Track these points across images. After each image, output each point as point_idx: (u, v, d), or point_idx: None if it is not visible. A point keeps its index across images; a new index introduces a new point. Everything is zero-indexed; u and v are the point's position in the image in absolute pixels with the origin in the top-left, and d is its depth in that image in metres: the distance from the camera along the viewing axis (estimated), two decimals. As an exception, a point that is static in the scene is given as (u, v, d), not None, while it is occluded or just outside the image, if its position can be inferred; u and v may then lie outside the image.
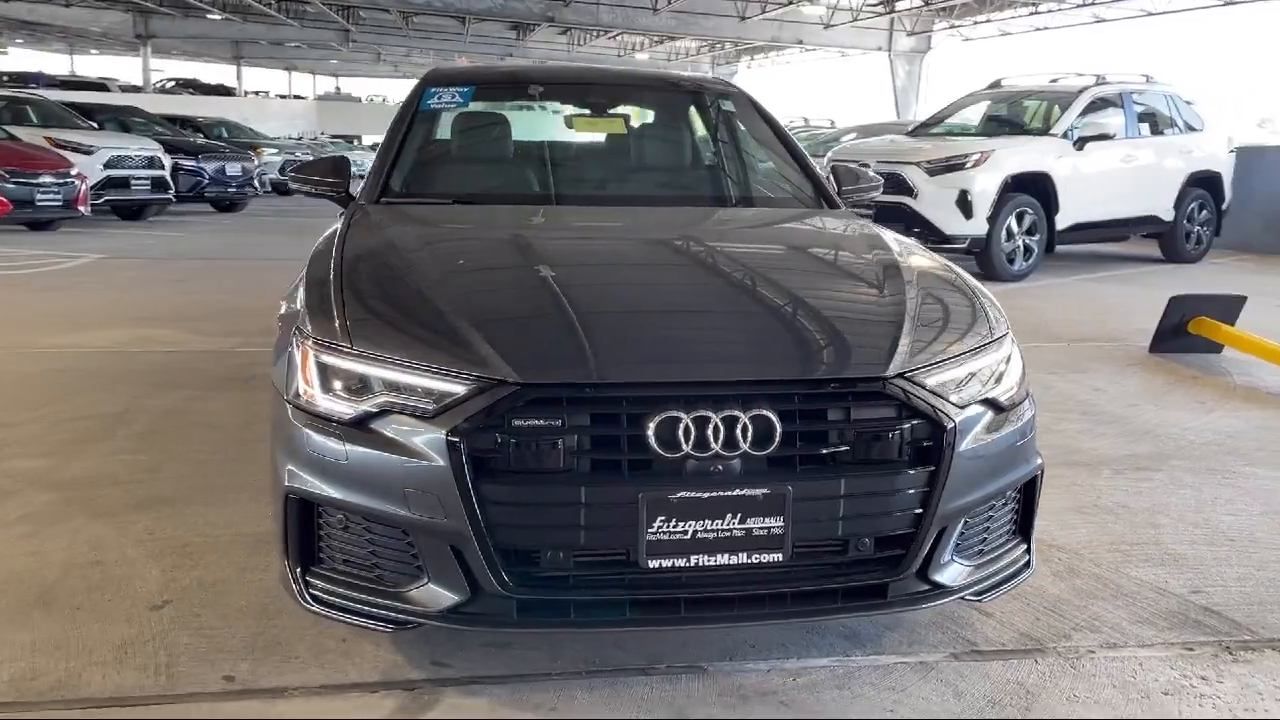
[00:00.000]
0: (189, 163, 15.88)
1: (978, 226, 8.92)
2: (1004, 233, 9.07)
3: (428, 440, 2.02)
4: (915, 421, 2.14)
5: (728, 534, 2.04)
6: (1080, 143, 9.52)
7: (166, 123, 18.40)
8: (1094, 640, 2.56)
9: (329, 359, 2.18)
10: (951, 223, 9.00)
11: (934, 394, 2.18)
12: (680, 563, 2.05)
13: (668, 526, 2.02)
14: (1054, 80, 11.09)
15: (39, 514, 3.18)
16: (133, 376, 4.93)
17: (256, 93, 59.27)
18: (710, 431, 2.02)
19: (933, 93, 24.12)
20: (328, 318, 2.27)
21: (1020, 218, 9.18)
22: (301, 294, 2.46)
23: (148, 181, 13.73)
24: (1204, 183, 10.85)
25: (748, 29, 22.95)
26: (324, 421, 2.14)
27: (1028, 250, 9.29)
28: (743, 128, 3.82)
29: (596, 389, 2.05)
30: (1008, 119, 10.72)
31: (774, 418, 2.05)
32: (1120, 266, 10.61)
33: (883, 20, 22.78)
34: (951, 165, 8.97)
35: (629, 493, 2.01)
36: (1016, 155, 9.21)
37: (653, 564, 2.04)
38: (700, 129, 3.90)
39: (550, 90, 3.92)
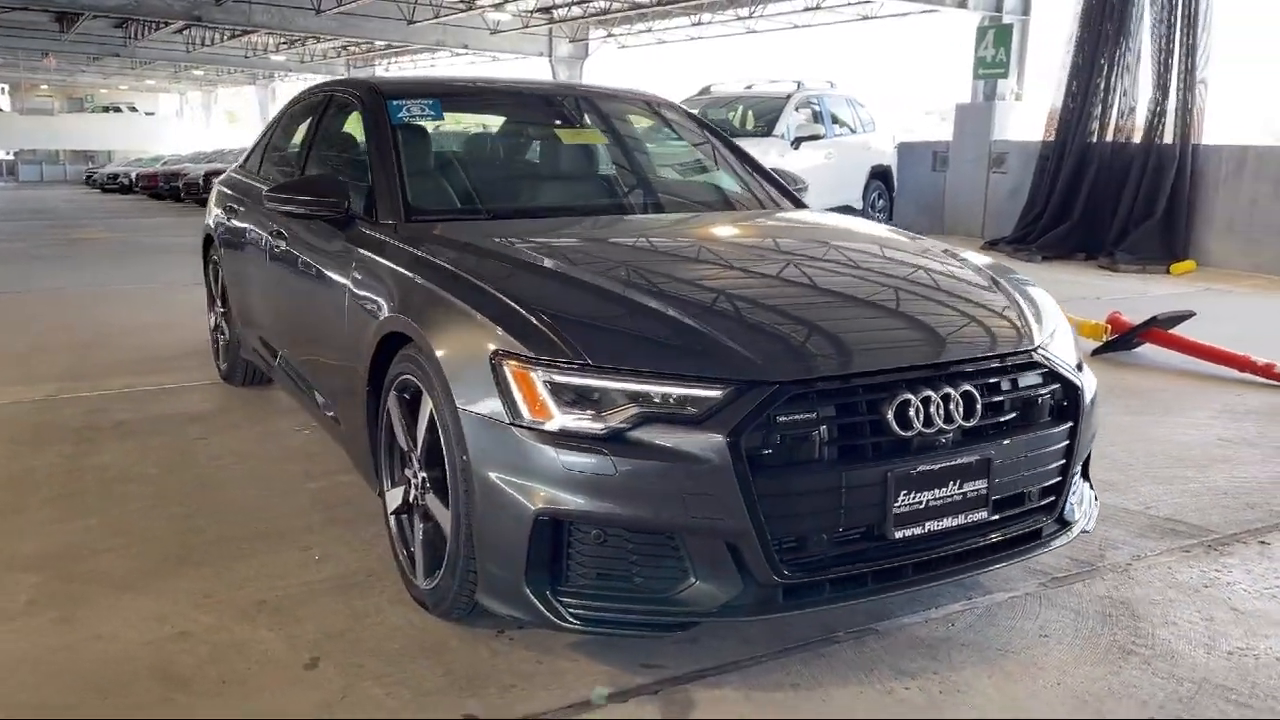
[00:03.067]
0: None
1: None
2: (746, 226, 9.89)
3: (705, 444, 2.10)
4: (1055, 385, 2.53)
5: (950, 499, 2.31)
6: (796, 142, 10.61)
7: None
8: (1124, 555, 3.09)
9: (561, 377, 2.18)
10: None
11: (1061, 361, 2.58)
12: (917, 530, 2.29)
13: (909, 499, 2.25)
14: (749, 86, 12.19)
15: (48, 597, 2.76)
16: (-33, 438, 4.23)
17: None
18: (933, 409, 2.28)
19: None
20: (538, 336, 2.24)
21: (757, 211, 10.05)
22: (473, 316, 2.38)
23: None
24: (880, 175, 12.46)
25: (414, 33, 22.67)
26: (577, 439, 2.14)
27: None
28: (711, 137, 4.05)
29: (843, 380, 2.23)
30: (719, 123, 11.63)
31: (975, 392, 2.34)
32: (825, 251, 11.84)
33: (543, 27, 23.44)
34: (703, 165, 9.62)
35: (879, 472, 2.22)
36: (752, 154, 10.02)
37: (898, 534, 2.26)
38: (672, 140, 4.06)
39: (527, 104, 3.90)
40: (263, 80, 43.16)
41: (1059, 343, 2.65)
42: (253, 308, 4.35)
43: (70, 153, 55.97)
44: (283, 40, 32.35)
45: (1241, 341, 5.98)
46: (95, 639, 2.53)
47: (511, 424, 2.20)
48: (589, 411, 2.16)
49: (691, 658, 2.44)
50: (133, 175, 32.32)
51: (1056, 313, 2.80)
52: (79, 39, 34.04)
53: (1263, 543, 3.21)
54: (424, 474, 2.59)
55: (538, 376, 2.20)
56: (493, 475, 2.23)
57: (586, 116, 3.89)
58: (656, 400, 2.16)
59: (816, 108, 11.38)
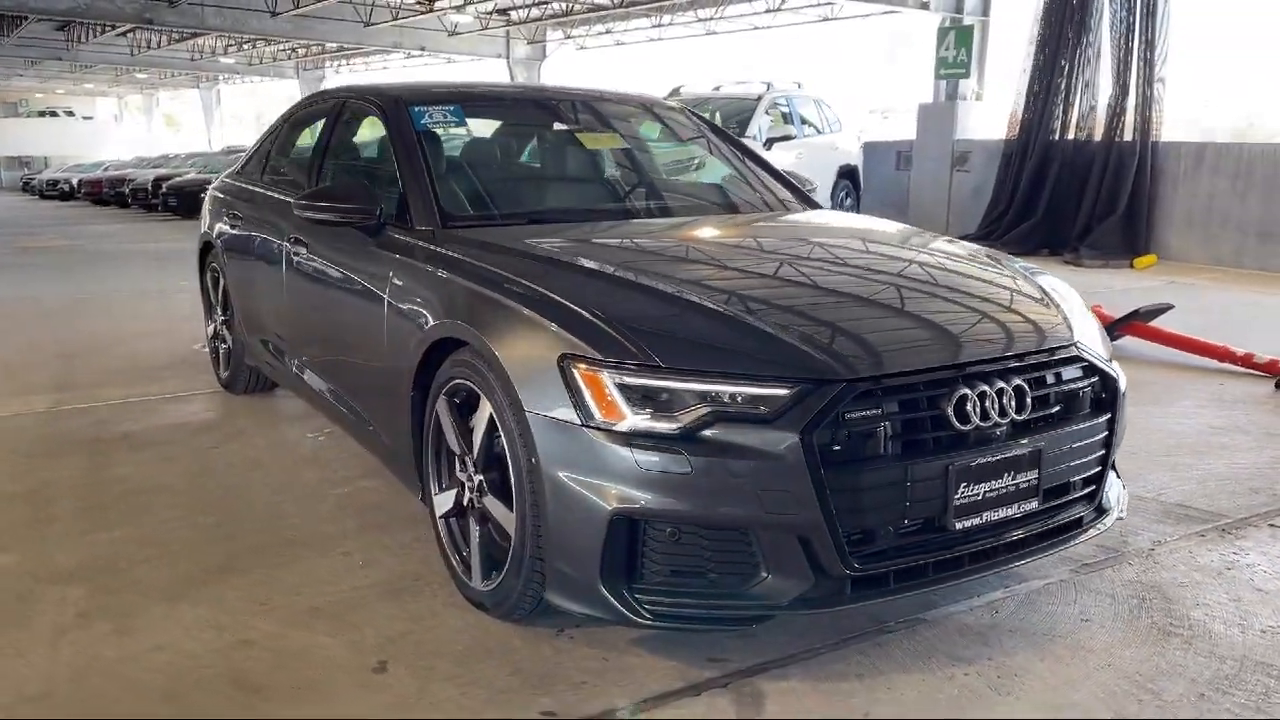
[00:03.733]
0: None
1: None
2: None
3: (778, 442, 2.15)
4: (1094, 378, 2.62)
5: (1004, 490, 2.39)
6: (769, 143, 10.72)
7: None
8: (1145, 541, 3.21)
9: (631, 379, 2.22)
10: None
11: (1097, 354, 2.67)
12: (976, 521, 2.36)
13: (968, 490, 2.33)
14: (717, 88, 12.29)
15: (99, 609, 2.74)
16: (-27, 451, 4.16)
17: None
18: (989, 403, 2.36)
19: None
20: (606, 339, 2.28)
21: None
22: (537, 320, 2.42)
23: None
24: (847, 174, 12.63)
25: (370, 35, 22.49)
26: (651, 439, 2.19)
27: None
28: (726, 141, 4.11)
29: (906, 377, 2.30)
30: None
31: (1025, 386, 2.43)
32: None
33: (501, 29, 23.38)
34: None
35: (940, 466, 2.29)
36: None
37: (958, 525, 2.33)
38: (692, 143, 4.11)
39: (547, 109, 3.93)
40: (207, 84, 42.42)
41: (1092, 336, 2.74)
42: (263, 315, 4.32)
43: (4, 159, 54.71)
44: (231, 42, 31.89)
45: (1210, 332, 6.18)
46: (157, 649, 2.52)
47: (583, 425, 2.24)
48: (661, 411, 2.21)
49: (754, 651, 2.49)
50: (74, 181, 31.58)
51: (1084, 307, 2.90)
52: (20, 42, 33.26)
53: (1273, 525, 3.34)
54: (480, 477, 2.61)
55: (608, 378, 2.23)
56: (564, 476, 2.27)
57: (609, 121, 3.93)
58: (726, 400, 2.21)
59: (786, 109, 11.53)
